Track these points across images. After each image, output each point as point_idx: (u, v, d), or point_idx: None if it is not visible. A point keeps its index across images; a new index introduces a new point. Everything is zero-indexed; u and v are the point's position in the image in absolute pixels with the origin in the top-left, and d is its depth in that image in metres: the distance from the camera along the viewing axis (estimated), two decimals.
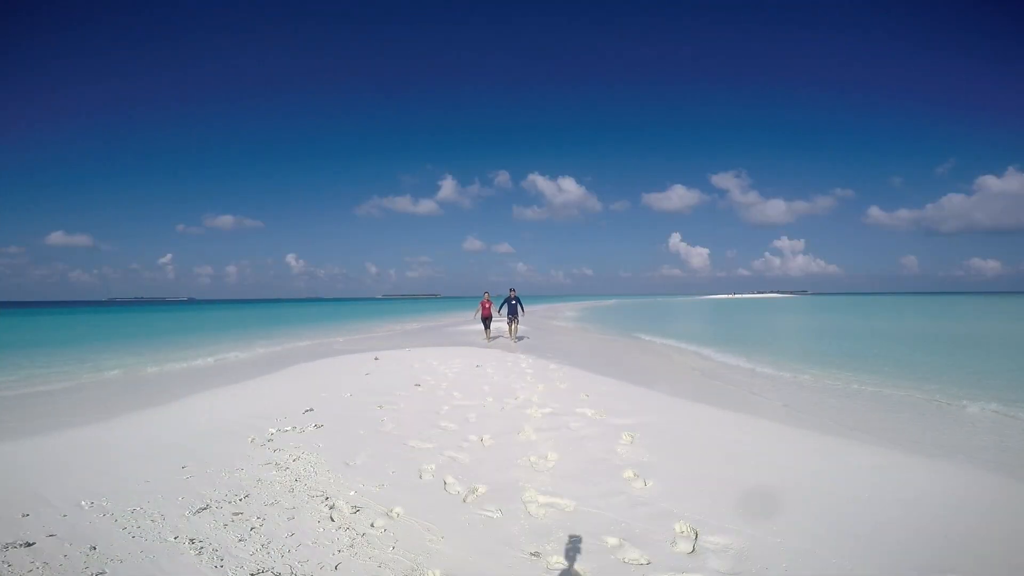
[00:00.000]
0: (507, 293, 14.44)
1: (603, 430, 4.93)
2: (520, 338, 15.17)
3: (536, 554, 2.68)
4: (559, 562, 2.60)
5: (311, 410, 5.90)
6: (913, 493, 3.34)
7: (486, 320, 14.70)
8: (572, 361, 10.33)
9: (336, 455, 4.28)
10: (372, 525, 3.02)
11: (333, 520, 3.08)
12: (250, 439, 4.77)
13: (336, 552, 2.70)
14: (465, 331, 19.01)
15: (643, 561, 2.59)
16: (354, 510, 3.22)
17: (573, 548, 2.71)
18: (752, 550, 2.66)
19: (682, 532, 2.89)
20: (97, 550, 2.68)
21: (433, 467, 4.01)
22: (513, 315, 14.48)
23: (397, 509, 3.24)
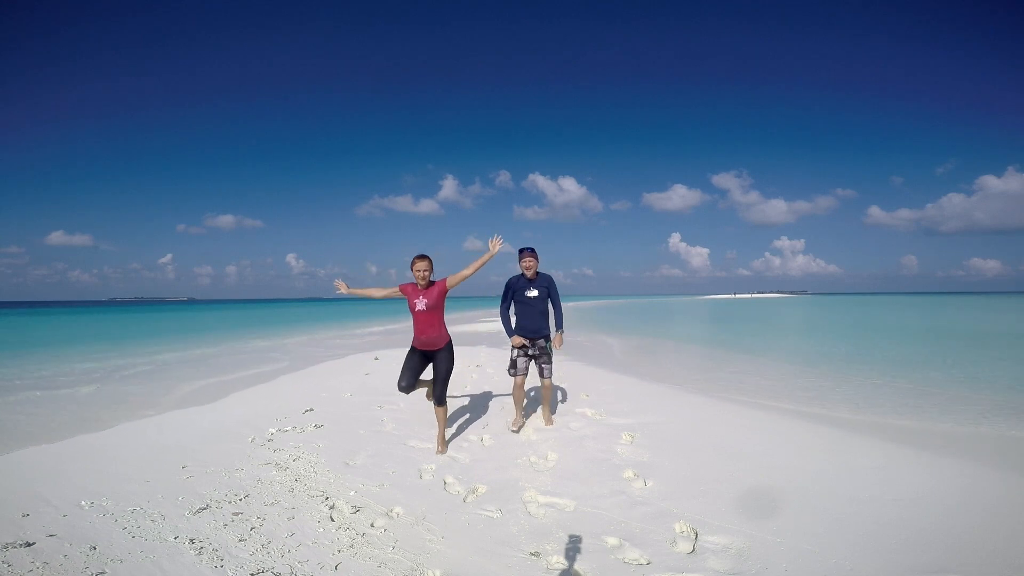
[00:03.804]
0: (515, 272, 4.85)
1: (603, 430, 4.93)
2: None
3: (536, 554, 2.68)
4: (559, 562, 2.60)
5: (311, 410, 5.90)
6: (914, 492, 3.34)
7: (420, 359, 4.41)
8: (573, 356, 10.32)
9: (336, 455, 4.28)
10: (372, 525, 3.02)
11: (333, 520, 3.08)
12: (250, 439, 4.77)
13: (336, 552, 2.70)
14: (465, 332, 19.01)
15: (643, 561, 2.59)
16: (354, 510, 3.22)
17: (573, 548, 2.71)
18: (752, 550, 2.66)
19: (682, 532, 2.89)
20: (97, 550, 2.68)
21: (433, 467, 4.01)
22: (538, 338, 4.75)
23: (397, 509, 3.24)
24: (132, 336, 21.63)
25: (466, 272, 4.41)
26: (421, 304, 4.34)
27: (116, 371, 10.58)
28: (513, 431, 4.87)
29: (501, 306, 4.89)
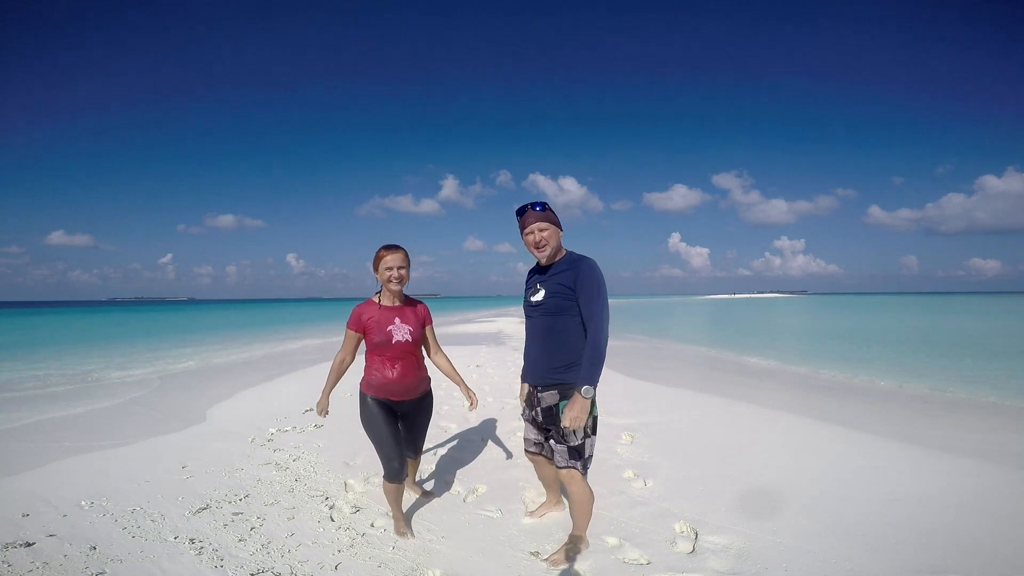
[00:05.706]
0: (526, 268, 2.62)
1: (603, 430, 4.92)
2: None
3: (536, 554, 2.68)
4: (559, 562, 2.60)
5: (311, 410, 5.90)
6: (914, 492, 3.34)
7: (393, 417, 2.81)
8: None
9: (336, 455, 4.28)
10: (372, 525, 3.02)
11: (333, 520, 3.08)
12: (250, 439, 4.78)
13: (336, 552, 2.70)
14: (464, 332, 19.01)
15: (643, 561, 2.59)
16: (354, 510, 3.22)
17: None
18: (752, 550, 2.66)
19: (682, 532, 2.88)
20: (97, 550, 2.68)
21: (433, 467, 4.02)
22: (544, 391, 2.38)
23: None
24: (155, 337, 21.66)
25: (441, 361, 3.08)
26: (402, 333, 2.73)
27: (164, 368, 10.59)
28: (529, 514, 3.06)
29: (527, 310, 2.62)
